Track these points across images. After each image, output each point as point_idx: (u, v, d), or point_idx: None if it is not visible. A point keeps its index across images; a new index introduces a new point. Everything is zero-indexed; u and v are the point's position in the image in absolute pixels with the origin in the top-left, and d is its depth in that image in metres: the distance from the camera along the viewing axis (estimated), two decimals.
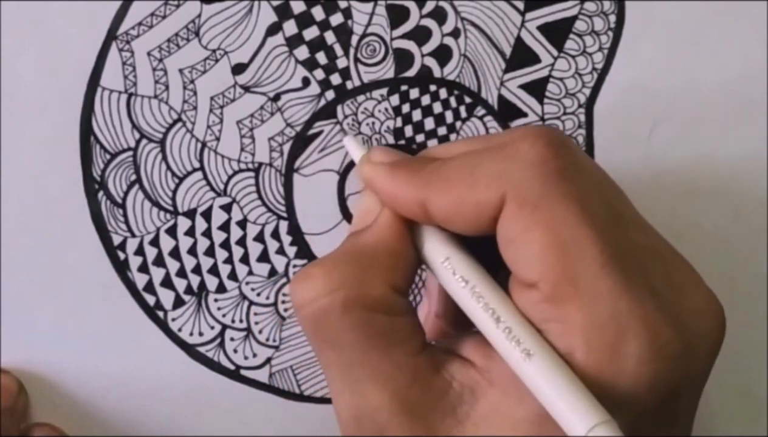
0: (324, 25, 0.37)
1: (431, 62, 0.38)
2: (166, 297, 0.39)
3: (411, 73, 0.38)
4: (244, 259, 0.39)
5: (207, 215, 0.38)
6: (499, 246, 0.29)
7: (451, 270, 0.30)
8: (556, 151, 0.29)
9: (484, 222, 0.29)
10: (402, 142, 0.39)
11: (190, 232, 0.38)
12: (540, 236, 0.27)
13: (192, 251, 0.39)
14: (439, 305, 0.35)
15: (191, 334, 0.39)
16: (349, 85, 0.38)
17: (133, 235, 0.38)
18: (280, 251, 0.39)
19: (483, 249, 0.31)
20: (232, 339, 0.39)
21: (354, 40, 0.38)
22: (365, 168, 0.33)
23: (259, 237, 0.39)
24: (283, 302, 0.39)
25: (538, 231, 0.28)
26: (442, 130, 0.39)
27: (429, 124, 0.39)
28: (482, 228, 0.29)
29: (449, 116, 0.39)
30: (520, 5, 0.38)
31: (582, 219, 0.28)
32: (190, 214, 0.38)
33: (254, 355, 0.39)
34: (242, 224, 0.39)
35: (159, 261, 0.38)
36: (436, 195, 0.30)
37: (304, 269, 0.30)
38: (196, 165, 0.38)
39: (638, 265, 0.28)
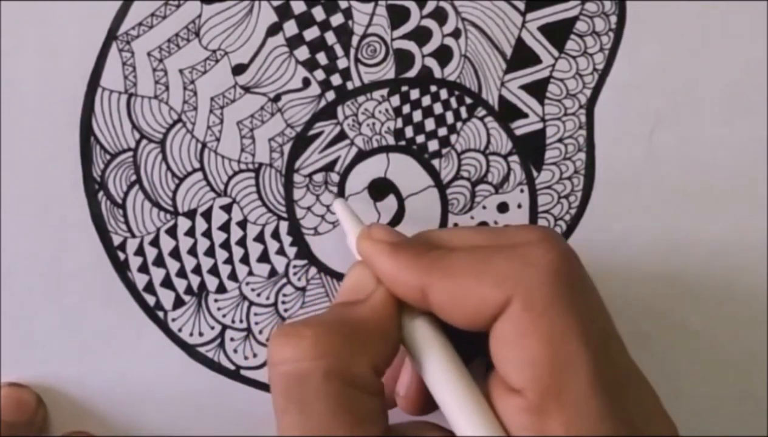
0: (324, 26, 0.37)
1: (432, 63, 0.38)
2: (167, 297, 0.39)
3: (411, 73, 0.38)
4: (245, 260, 0.39)
5: (207, 215, 0.38)
6: (491, 345, 0.29)
7: (435, 364, 0.30)
8: (569, 263, 0.29)
9: (482, 319, 0.29)
10: (402, 142, 0.39)
11: (190, 233, 0.38)
12: (537, 344, 0.28)
13: (192, 251, 0.38)
14: (409, 387, 0.35)
15: (191, 334, 0.39)
16: (349, 85, 0.38)
17: (133, 236, 0.38)
18: (281, 251, 0.39)
19: (460, 338, 0.31)
20: (232, 340, 0.39)
21: (354, 40, 0.38)
22: (365, 244, 0.32)
23: (260, 238, 0.39)
24: (284, 302, 0.39)
25: (536, 338, 0.28)
26: (442, 131, 0.39)
27: (429, 124, 0.39)
28: (478, 323, 0.29)
29: (450, 117, 0.39)
30: (521, 6, 0.38)
31: (581, 336, 0.28)
32: (191, 215, 0.38)
33: (254, 355, 0.39)
34: (242, 224, 0.39)
35: (159, 262, 0.38)
36: (440, 283, 0.30)
37: (291, 326, 0.30)
38: (197, 165, 0.38)
39: (620, 388, 0.29)
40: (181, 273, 0.39)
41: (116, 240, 0.38)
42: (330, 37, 0.37)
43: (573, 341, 0.28)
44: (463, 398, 0.29)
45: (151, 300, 0.39)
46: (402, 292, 0.31)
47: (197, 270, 0.39)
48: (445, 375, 0.30)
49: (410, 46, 0.38)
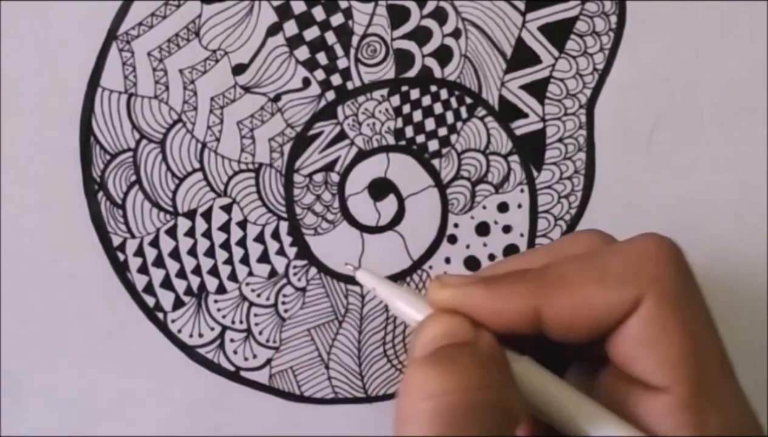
0: (324, 26, 0.37)
1: (432, 63, 0.38)
2: (166, 298, 0.39)
3: (412, 73, 0.38)
4: (244, 260, 0.39)
5: (207, 216, 0.38)
6: (617, 348, 0.28)
7: (563, 400, 0.28)
8: (680, 252, 0.28)
9: (606, 325, 0.27)
10: (402, 142, 0.39)
11: (190, 233, 0.38)
12: (680, 338, 0.27)
13: (192, 252, 0.38)
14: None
15: (191, 336, 0.39)
16: (349, 85, 0.38)
17: (133, 236, 0.38)
18: (281, 252, 0.39)
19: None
20: (232, 341, 0.39)
21: (354, 40, 0.38)
22: (448, 292, 0.29)
23: (260, 238, 0.39)
24: (284, 303, 0.39)
25: (678, 332, 0.27)
26: (442, 131, 0.39)
27: (430, 124, 0.39)
28: (599, 331, 0.28)
29: (450, 117, 0.39)
30: (521, 6, 0.38)
31: (709, 322, 0.27)
32: (190, 215, 0.38)
33: (254, 356, 0.39)
34: (242, 225, 0.39)
35: (159, 263, 0.38)
36: (557, 298, 0.28)
37: (446, 355, 0.27)
38: (196, 165, 0.38)
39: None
40: (181, 273, 0.38)
41: (116, 240, 0.38)
42: (330, 37, 0.37)
43: (707, 331, 0.27)
44: (604, 420, 0.27)
45: (150, 301, 0.39)
46: (510, 322, 0.28)
47: (197, 270, 0.39)
48: (576, 407, 0.28)
49: (410, 46, 0.38)
